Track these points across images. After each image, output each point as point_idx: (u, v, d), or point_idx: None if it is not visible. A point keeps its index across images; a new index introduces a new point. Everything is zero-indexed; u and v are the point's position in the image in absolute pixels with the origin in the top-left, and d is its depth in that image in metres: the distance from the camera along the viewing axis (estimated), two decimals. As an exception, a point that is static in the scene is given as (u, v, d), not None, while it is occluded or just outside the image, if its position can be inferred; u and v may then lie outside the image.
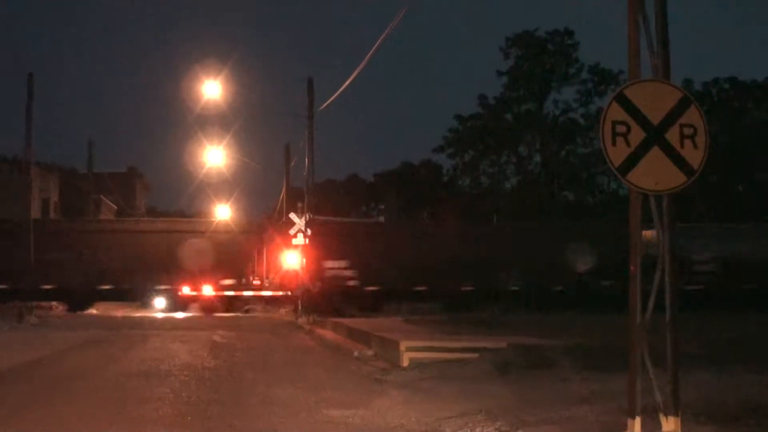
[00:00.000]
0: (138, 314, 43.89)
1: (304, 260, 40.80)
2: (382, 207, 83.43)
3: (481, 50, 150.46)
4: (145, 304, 46.52)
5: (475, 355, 16.56)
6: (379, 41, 28.19)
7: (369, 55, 29.73)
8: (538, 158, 71.66)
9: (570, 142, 70.43)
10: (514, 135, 70.49)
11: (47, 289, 43.75)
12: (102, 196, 66.92)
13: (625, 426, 8.32)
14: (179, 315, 43.85)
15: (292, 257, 43.39)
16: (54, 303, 45.83)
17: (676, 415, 8.23)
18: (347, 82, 33.28)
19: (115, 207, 70.35)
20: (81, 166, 66.80)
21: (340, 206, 69.45)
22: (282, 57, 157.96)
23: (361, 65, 31.11)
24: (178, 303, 46.50)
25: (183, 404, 12.53)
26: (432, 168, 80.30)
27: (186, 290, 46.58)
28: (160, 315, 43.79)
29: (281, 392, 13.99)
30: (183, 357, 20.32)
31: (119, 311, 45.95)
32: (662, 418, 8.27)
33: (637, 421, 8.25)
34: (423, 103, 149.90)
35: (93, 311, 45.43)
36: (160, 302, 46.42)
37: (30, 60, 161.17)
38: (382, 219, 73.39)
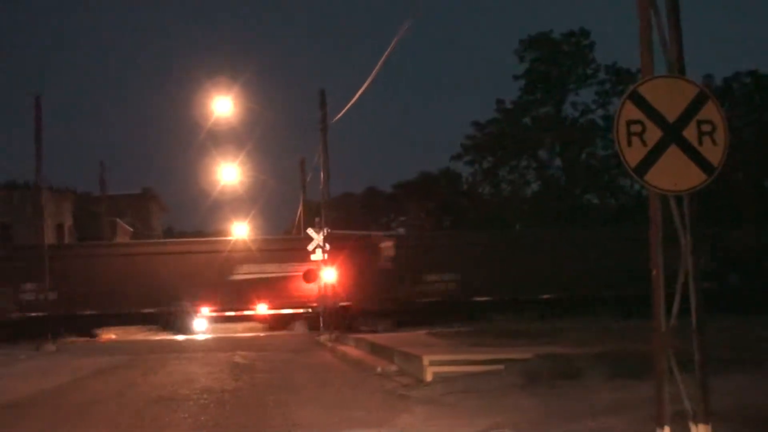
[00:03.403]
0: (158, 337, 43.91)
1: (324, 275, 40.67)
2: (403, 218, 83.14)
3: (497, 54, 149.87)
4: (165, 327, 46.47)
5: (501, 366, 16.41)
6: (387, 51, 28.08)
7: (379, 64, 29.58)
8: (558, 162, 71.24)
9: (590, 144, 69.98)
10: (533, 139, 70.03)
11: (66, 316, 43.79)
12: (117, 219, 67.00)
13: (655, 435, 8.18)
14: (200, 337, 43.85)
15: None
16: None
17: (706, 422, 8.08)
18: (358, 93, 33.15)
19: (131, 229, 70.37)
20: (95, 189, 66.96)
21: (359, 219, 69.19)
22: (295, 69, 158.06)
23: (372, 75, 30.93)
24: (198, 324, 46.52)
25: (201, 429, 12.44)
26: (451, 177, 79.80)
27: (206, 311, 46.59)
28: (180, 337, 43.77)
29: (304, 413, 13.90)
30: (203, 380, 20.25)
31: (138, 335, 46.00)
32: (692, 426, 8.12)
33: (666, 430, 8.10)
34: (440, 110, 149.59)
35: (112, 336, 45.47)
36: (180, 324, 46.38)
37: (39, 83, 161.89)
38: (402, 231, 73.21)
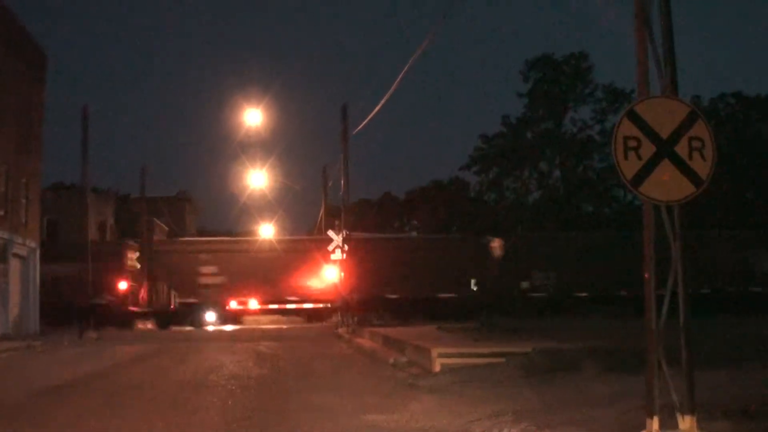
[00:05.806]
0: (189, 328, 43.98)
1: (343, 274, 40.70)
2: (414, 222, 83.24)
3: (503, 73, 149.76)
4: (197, 319, 46.54)
5: (502, 359, 16.40)
6: (404, 69, 28.10)
7: (396, 81, 29.60)
8: (558, 173, 71.46)
9: (587, 157, 70.18)
10: (535, 152, 70.28)
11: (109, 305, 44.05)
12: (154, 219, 67.17)
13: (644, 425, 8.16)
14: (228, 328, 43.92)
15: (331, 272, 43.26)
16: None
17: (691, 413, 8.07)
18: (377, 108, 33.19)
19: (167, 228, 70.56)
20: (134, 190, 67.14)
21: (374, 223, 69.26)
22: (320, 82, 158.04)
23: (390, 92, 30.96)
24: (226, 317, 46.61)
25: (229, 412, 12.46)
26: (460, 185, 79.95)
27: (233, 305, 46.70)
28: (210, 328, 43.88)
29: (322, 399, 13.90)
30: (230, 367, 20.26)
31: (173, 325, 46.06)
32: (679, 417, 8.11)
33: (655, 420, 8.09)
34: (451, 124, 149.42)
35: (148, 325, 45.53)
36: (210, 316, 46.45)
37: (85, 92, 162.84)
38: (414, 234, 73.21)
